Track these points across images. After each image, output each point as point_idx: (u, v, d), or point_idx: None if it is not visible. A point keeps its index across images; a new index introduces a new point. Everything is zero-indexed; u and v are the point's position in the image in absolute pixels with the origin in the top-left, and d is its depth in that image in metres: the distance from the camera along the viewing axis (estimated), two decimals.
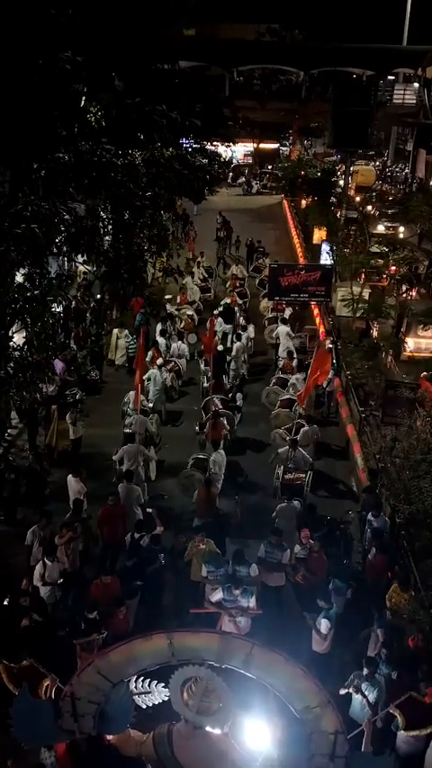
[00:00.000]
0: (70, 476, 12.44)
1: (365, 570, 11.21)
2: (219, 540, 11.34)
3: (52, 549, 10.40)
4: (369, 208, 28.36)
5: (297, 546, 10.85)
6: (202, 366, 18.29)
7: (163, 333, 20.06)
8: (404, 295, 20.66)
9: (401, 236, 24.45)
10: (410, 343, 20.35)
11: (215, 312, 21.57)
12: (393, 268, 21.96)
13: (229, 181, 51.76)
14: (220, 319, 20.66)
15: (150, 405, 15.96)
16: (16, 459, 13.55)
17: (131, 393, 15.38)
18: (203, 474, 13.29)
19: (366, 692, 8.22)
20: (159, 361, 17.70)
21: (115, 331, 20.58)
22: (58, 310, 13.84)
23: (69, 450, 14.92)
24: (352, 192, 30.12)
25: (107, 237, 16.14)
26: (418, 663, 8.77)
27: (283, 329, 20.31)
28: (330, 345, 19.32)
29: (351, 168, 38.58)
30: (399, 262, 20.98)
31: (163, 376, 17.22)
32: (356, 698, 8.30)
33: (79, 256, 14.59)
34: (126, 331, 20.33)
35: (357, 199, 27.36)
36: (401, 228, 26.02)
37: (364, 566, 11.52)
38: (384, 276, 21.88)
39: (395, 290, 21.52)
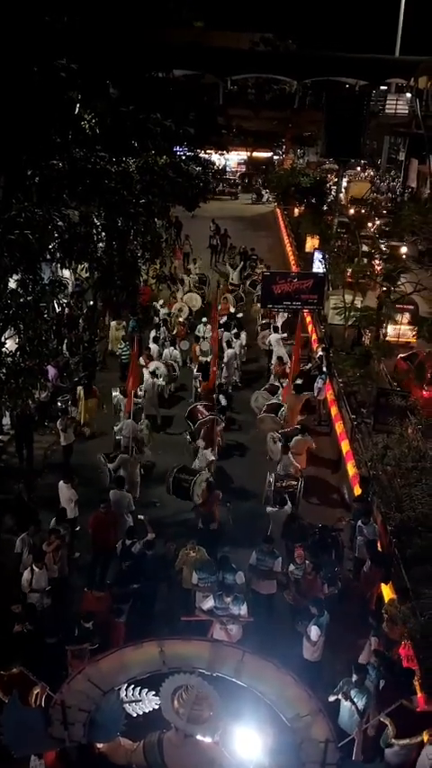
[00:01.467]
0: (62, 482, 12.41)
1: (359, 579, 11.20)
2: (210, 547, 11.33)
3: (40, 556, 10.36)
4: (369, 225, 28.56)
5: (291, 565, 10.77)
6: (195, 371, 18.34)
7: (155, 339, 20.11)
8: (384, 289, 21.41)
9: (404, 255, 24.56)
10: (389, 329, 21.64)
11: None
12: (379, 268, 22.33)
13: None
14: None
15: (139, 401, 16.04)
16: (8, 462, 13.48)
17: (119, 395, 15.67)
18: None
19: (356, 699, 8.20)
20: (152, 366, 17.76)
21: (113, 324, 20.83)
22: (52, 315, 13.82)
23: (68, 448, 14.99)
24: (345, 203, 30.34)
25: (101, 244, 16.15)
26: (408, 671, 8.77)
27: (275, 336, 20.39)
28: (321, 353, 19.44)
29: (346, 181, 38.79)
30: (391, 271, 21.15)
31: (154, 381, 17.28)
32: (345, 705, 8.28)
33: (72, 263, 14.61)
34: (124, 323, 20.44)
35: (351, 211, 27.59)
36: (404, 249, 26.13)
37: (356, 574, 11.53)
38: (368, 274, 22.19)
39: (378, 286, 21.87)
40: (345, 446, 15.77)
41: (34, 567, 10.18)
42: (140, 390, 16.48)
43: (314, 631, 9.32)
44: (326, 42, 55.36)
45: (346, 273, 22.24)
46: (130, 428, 14.35)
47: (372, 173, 60.59)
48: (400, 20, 53.36)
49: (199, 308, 24.49)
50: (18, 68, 11.86)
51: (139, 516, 11.88)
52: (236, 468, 15.53)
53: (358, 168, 60.03)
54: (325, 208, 35.46)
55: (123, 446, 14.56)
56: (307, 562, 10.58)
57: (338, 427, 16.87)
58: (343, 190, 39.57)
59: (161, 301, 23.57)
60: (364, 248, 24.11)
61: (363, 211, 26.92)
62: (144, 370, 17.18)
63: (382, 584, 10.93)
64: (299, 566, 10.63)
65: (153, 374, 17.37)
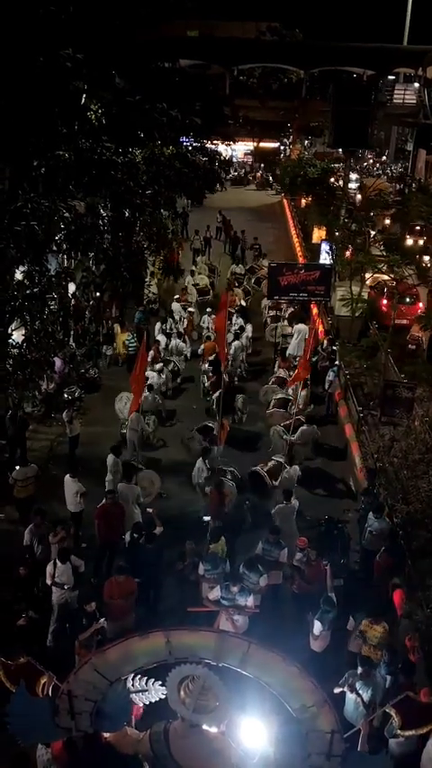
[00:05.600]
0: (68, 476, 12.38)
1: (371, 570, 11.16)
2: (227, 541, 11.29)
3: (66, 552, 10.21)
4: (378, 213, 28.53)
5: (298, 554, 10.77)
6: (205, 365, 18.28)
7: (163, 331, 20.03)
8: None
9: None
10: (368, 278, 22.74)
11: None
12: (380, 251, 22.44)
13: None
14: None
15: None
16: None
17: (124, 393, 15.62)
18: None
19: (361, 691, 8.23)
20: (158, 365, 17.75)
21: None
22: (58, 307, 13.79)
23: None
24: (360, 204, 30.15)
25: (107, 235, 16.13)
26: (410, 667, 8.74)
27: (303, 327, 20.16)
28: (330, 347, 19.36)
29: (355, 178, 38.45)
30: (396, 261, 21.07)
31: (159, 378, 17.28)
32: (350, 697, 8.30)
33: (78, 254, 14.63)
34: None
35: (371, 214, 27.59)
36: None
37: (363, 565, 11.51)
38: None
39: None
40: (351, 438, 15.75)
41: (58, 562, 10.04)
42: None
43: (317, 626, 9.33)
44: (333, 31, 54.95)
45: (347, 253, 22.22)
46: (136, 421, 14.36)
47: (379, 165, 60.16)
48: (408, 8, 52.94)
49: (203, 287, 24.43)
50: (24, 58, 11.82)
51: (147, 509, 11.88)
52: (243, 459, 15.52)
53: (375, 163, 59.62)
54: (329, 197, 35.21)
55: (129, 439, 14.59)
56: (309, 548, 10.59)
57: (345, 419, 16.84)
58: (355, 185, 39.25)
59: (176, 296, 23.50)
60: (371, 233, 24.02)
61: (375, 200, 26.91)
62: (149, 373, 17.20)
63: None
64: (302, 551, 10.64)
65: (158, 373, 17.42)
